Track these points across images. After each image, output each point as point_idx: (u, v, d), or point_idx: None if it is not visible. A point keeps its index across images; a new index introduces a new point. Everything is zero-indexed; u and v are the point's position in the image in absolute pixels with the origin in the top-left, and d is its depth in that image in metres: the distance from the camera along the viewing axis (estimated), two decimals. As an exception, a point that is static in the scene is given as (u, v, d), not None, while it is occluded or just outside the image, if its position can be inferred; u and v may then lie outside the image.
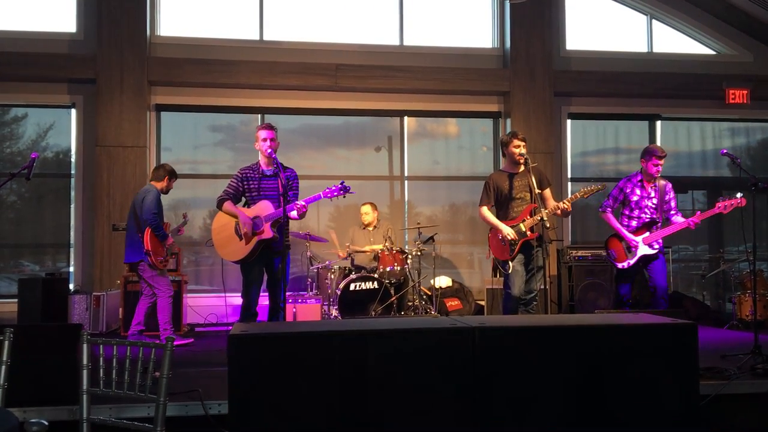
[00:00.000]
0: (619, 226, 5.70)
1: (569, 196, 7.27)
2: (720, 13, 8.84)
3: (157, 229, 5.71)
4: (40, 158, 7.42)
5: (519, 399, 2.76)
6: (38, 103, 7.88)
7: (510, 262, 5.29)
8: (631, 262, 5.61)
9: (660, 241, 5.64)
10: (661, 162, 5.58)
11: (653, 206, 5.65)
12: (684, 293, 8.11)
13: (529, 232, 5.23)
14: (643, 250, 5.57)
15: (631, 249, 5.61)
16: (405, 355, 2.71)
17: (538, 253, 5.26)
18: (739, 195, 5.35)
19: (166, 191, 6.04)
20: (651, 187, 5.66)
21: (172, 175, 6.05)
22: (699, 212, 5.56)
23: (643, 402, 2.81)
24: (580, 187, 8.73)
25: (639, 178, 5.70)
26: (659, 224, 5.63)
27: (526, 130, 6.96)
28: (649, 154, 5.60)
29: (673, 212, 5.64)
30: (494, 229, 5.43)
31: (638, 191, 5.67)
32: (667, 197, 5.65)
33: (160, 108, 8.02)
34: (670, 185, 5.73)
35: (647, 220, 5.63)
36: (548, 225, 4.99)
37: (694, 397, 2.87)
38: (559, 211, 5.16)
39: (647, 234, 5.59)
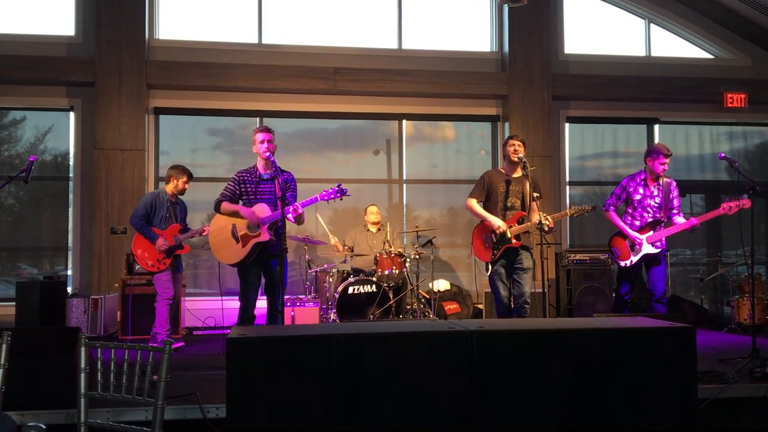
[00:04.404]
0: (622, 224, 5.68)
1: (563, 210, 7.21)
2: (718, 17, 8.87)
3: (141, 230, 5.82)
4: (38, 161, 7.47)
5: (517, 402, 2.76)
6: (37, 106, 7.87)
7: (490, 265, 5.31)
8: (634, 260, 5.58)
9: (663, 241, 5.61)
10: (668, 161, 5.57)
11: (656, 205, 5.61)
12: (682, 296, 8.11)
13: (514, 240, 5.22)
14: (647, 248, 5.54)
15: (635, 247, 5.58)
16: (403, 358, 2.71)
17: (522, 256, 5.27)
18: (744, 196, 5.28)
19: (178, 192, 6.03)
20: (654, 186, 5.62)
21: (179, 174, 5.99)
22: (703, 214, 5.55)
23: (641, 405, 2.81)
24: (578, 191, 8.89)
25: (642, 176, 5.67)
26: (663, 224, 5.59)
27: (524, 134, 6.98)
28: (656, 152, 5.57)
29: (675, 211, 5.61)
30: (479, 228, 5.44)
31: (641, 190, 5.63)
32: (671, 196, 5.61)
33: (159, 111, 8.02)
34: (674, 184, 5.70)
35: (650, 219, 5.60)
36: (546, 230, 4.98)
37: (692, 401, 2.87)
38: (545, 228, 4.99)
39: (651, 233, 5.56)
